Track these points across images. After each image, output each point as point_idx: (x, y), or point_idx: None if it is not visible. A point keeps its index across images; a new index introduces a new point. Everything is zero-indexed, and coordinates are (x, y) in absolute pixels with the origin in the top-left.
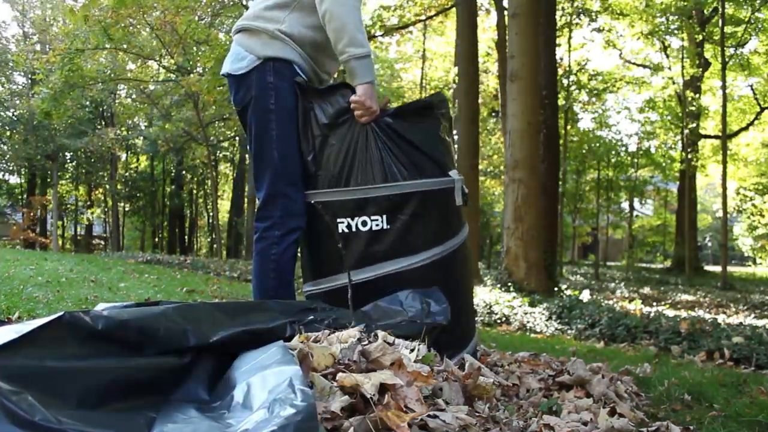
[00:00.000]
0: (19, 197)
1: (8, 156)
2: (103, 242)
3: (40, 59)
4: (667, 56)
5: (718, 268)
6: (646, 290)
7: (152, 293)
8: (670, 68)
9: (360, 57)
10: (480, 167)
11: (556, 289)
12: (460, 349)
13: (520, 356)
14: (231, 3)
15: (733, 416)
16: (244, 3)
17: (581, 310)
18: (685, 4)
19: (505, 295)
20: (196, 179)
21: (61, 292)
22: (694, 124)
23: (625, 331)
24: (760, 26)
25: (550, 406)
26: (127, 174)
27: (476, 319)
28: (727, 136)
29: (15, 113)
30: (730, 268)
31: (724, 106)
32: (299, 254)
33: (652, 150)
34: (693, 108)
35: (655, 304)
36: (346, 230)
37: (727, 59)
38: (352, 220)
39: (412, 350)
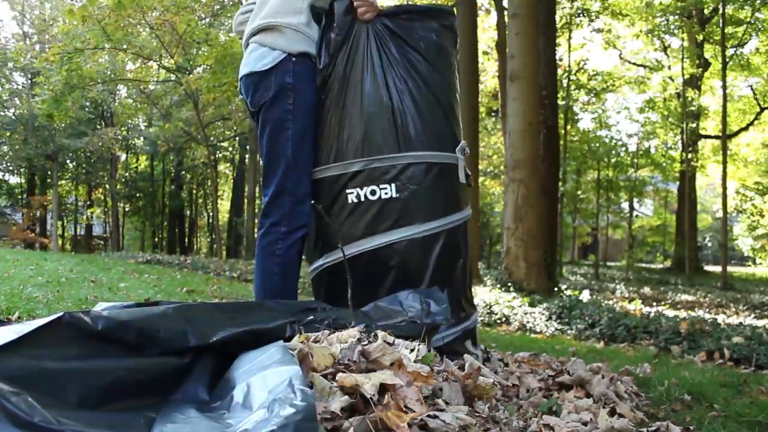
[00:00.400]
0: (19, 197)
1: (8, 156)
2: (103, 242)
3: (39, 57)
4: (667, 56)
5: (718, 268)
6: (646, 290)
7: (152, 293)
8: (670, 68)
9: None
10: (480, 167)
11: (556, 289)
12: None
13: (520, 356)
14: (231, 3)
15: (733, 416)
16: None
17: (581, 310)
18: (685, 3)
19: (505, 295)
20: (196, 179)
21: (61, 292)
22: (694, 124)
23: (625, 331)
24: (760, 26)
25: (550, 406)
26: (127, 174)
27: (477, 319)
28: (727, 136)
29: (15, 113)
30: (730, 268)
31: (724, 106)
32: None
33: (652, 150)
34: (693, 108)
35: (655, 304)
36: (355, 200)
37: (727, 59)
38: (361, 189)
39: (412, 350)
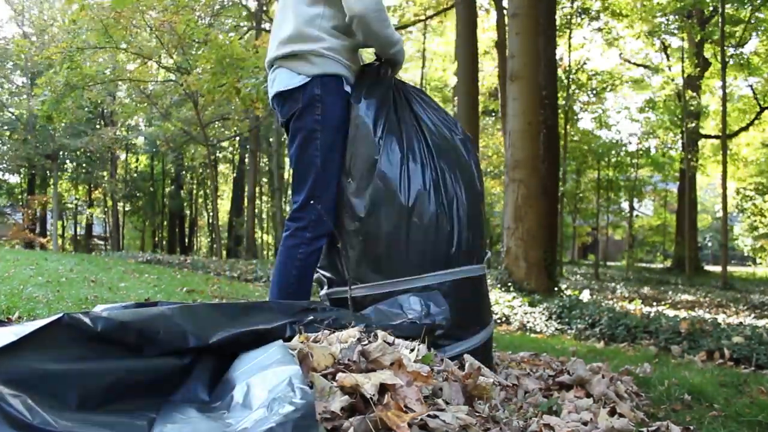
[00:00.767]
0: (19, 197)
1: (8, 156)
2: (103, 242)
3: (41, 55)
4: (667, 56)
5: (718, 268)
6: (646, 290)
7: (152, 293)
8: (669, 68)
9: (397, 51)
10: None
11: (556, 289)
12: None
13: (520, 356)
14: (230, 3)
15: (733, 416)
16: (244, 3)
17: (581, 310)
18: (684, 3)
19: (505, 295)
20: (196, 179)
21: (61, 292)
22: (694, 124)
23: (625, 331)
24: (760, 26)
25: (550, 406)
26: (126, 174)
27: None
28: (727, 136)
29: (15, 113)
30: (730, 268)
31: (724, 106)
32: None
33: (652, 150)
34: (693, 108)
35: (655, 304)
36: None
37: (727, 59)
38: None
39: (412, 350)
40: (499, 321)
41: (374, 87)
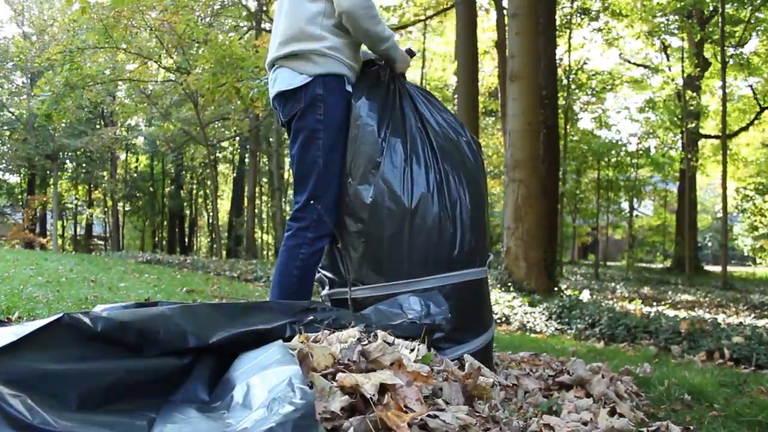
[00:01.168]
0: (19, 197)
1: (8, 155)
2: (102, 242)
3: (41, 57)
4: (667, 56)
5: (718, 268)
6: (646, 290)
7: (152, 293)
8: (669, 68)
9: (389, 47)
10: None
11: (556, 289)
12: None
13: (520, 356)
14: (230, 3)
15: (733, 416)
16: (244, 3)
17: (581, 310)
18: (684, 3)
19: (505, 295)
20: (195, 179)
21: (61, 292)
22: (694, 124)
23: (625, 331)
24: (760, 26)
25: (550, 406)
26: (126, 174)
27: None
28: (727, 136)
29: (15, 113)
30: (730, 268)
31: (724, 106)
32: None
33: (652, 150)
34: (693, 108)
35: (655, 304)
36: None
37: (727, 59)
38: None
39: (411, 350)
40: (499, 321)
41: (377, 87)
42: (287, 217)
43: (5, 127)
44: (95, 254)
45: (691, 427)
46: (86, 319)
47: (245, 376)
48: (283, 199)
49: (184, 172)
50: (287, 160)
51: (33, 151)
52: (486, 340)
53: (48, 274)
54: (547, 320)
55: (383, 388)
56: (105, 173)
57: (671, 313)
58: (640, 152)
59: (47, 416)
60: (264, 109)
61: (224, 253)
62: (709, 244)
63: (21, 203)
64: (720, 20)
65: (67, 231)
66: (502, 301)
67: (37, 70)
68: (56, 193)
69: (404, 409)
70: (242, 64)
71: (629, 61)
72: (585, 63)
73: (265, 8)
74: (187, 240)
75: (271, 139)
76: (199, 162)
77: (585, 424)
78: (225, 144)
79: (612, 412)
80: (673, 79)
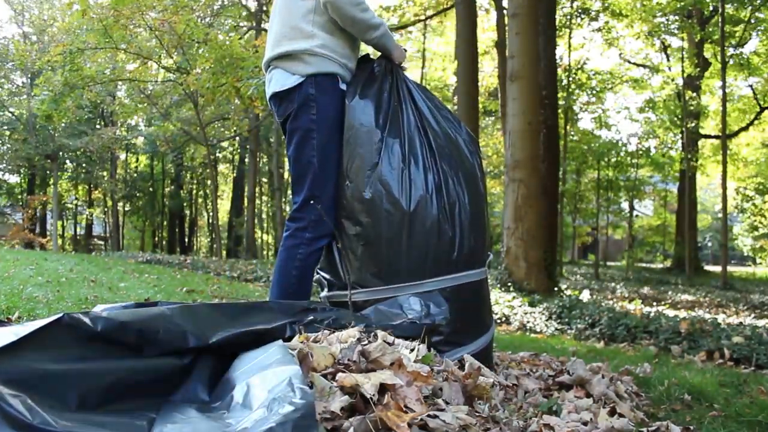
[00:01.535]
0: (19, 197)
1: (8, 155)
2: (102, 242)
3: (41, 59)
4: (667, 56)
5: (718, 268)
6: (646, 290)
7: (152, 293)
8: (669, 68)
9: (381, 35)
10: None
11: (556, 289)
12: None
13: (520, 356)
14: (230, 3)
15: (733, 416)
16: (244, 3)
17: (581, 310)
18: (684, 3)
19: (505, 295)
20: (195, 179)
21: (61, 292)
22: (694, 124)
23: (625, 331)
24: (760, 26)
25: (550, 406)
26: (126, 174)
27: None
28: (727, 136)
29: (15, 113)
30: (730, 268)
31: (724, 106)
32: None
33: (652, 150)
34: (692, 108)
35: (655, 304)
36: None
37: (727, 59)
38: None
39: (411, 350)
40: (499, 321)
41: (373, 84)
42: (287, 217)
43: (5, 127)
44: (95, 254)
45: (691, 427)
46: (86, 319)
47: (245, 376)
48: (283, 199)
49: (184, 172)
50: (287, 159)
51: (33, 151)
52: (486, 341)
53: (48, 274)
54: (547, 320)
55: (383, 388)
56: (105, 173)
57: (671, 313)
58: (640, 152)
59: (47, 416)
60: (264, 109)
61: (224, 253)
62: (709, 244)
63: (21, 203)
64: (720, 20)
65: (67, 231)
66: (502, 301)
67: (37, 70)
68: (56, 193)
69: (404, 409)
70: (242, 63)
71: (629, 61)
72: (585, 63)
73: (265, 8)
74: (187, 240)
75: (271, 139)
76: (199, 162)
77: (585, 424)
78: (225, 144)
79: (612, 412)
80: (673, 79)
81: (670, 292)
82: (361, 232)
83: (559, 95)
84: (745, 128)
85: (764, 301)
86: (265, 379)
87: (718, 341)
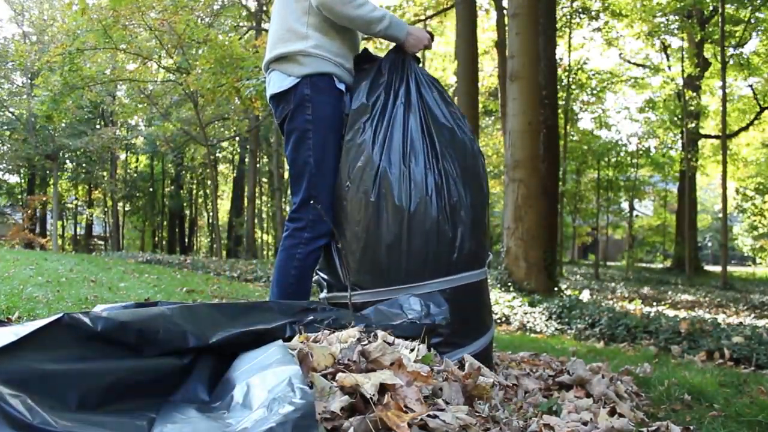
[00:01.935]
0: (19, 197)
1: (8, 156)
2: (102, 242)
3: (41, 59)
4: (667, 56)
5: (718, 268)
6: (646, 290)
7: (152, 293)
8: (669, 68)
9: (386, 27)
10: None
11: (556, 289)
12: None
13: (520, 356)
14: (230, 3)
15: (733, 416)
16: (244, 3)
17: (581, 310)
18: (684, 3)
19: (505, 295)
20: (195, 179)
21: (61, 292)
22: (694, 124)
23: (625, 331)
24: (760, 26)
25: (550, 406)
26: (126, 174)
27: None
28: (727, 136)
29: (15, 113)
30: (730, 268)
31: (724, 106)
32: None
33: (652, 150)
34: (693, 108)
35: (655, 304)
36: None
37: (727, 59)
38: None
39: (411, 350)
40: (499, 321)
41: (377, 82)
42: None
43: (5, 127)
44: (95, 254)
45: (691, 427)
46: (86, 319)
47: (245, 376)
48: (283, 199)
49: (184, 172)
50: (286, 160)
51: (33, 151)
52: (485, 342)
53: (48, 274)
54: (547, 320)
55: (383, 388)
56: (105, 173)
57: (671, 313)
58: (640, 152)
59: (47, 416)
60: (263, 110)
61: (224, 253)
62: (709, 244)
63: (21, 203)
64: (720, 20)
65: (67, 231)
66: (502, 301)
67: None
68: (56, 193)
69: (404, 409)
70: (242, 64)
71: (629, 61)
72: (585, 63)
73: (265, 8)
74: (187, 240)
75: (271, 139)
76: (199, 162)
77: (585, 424)
78: (225, 144)
79: (612, 412)
80: (673, 79)
81: (670, 292)
82: (360, 233)
83: (559, 95)
84: (745, 128)
85: (764, 301)
86: (265, 379)
87: (718, 341)
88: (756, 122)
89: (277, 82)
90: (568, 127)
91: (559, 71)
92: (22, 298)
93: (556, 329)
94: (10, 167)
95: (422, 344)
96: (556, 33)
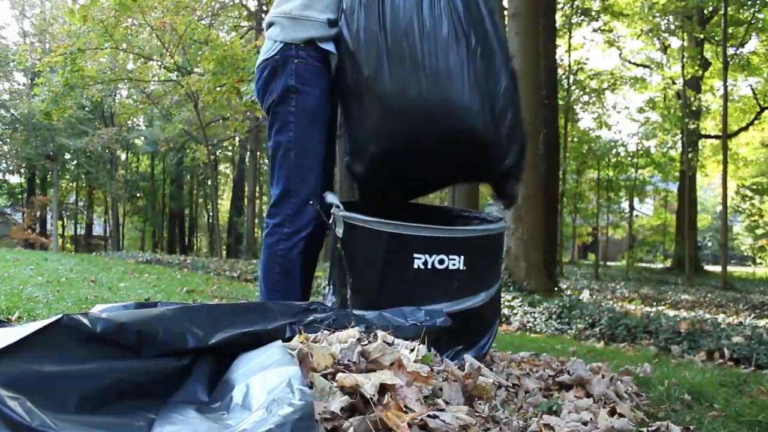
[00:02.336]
0: (20, 197)
1: (9, 156)
2: (103, 242)
3: (42, 59)
4: (667, 56)
5: (718, 268)
6: (646, 290)
7: (152, 293)
8: (670, 68)
9: None
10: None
11: (556, 289)
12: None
13: (520, 356)
14: (231, 3)
15: (733, 416)
16: (244, 3)
17: (581, 310)
18: (685, 4)
19: (505, 295)
20: (196, 179)
21: (61, 292)
22: (694, 124)
23: (625, 331)
24: (760, 26)
25: (550, 406)
26: (127, 174)
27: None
28: (727, 135)
29: (15, 113)
30: (730, 268)
31: (725, 106)
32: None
33: (652, 150)
34: (693, 108)
35: (655, 303)
36: (422, 266)
37: (727, 59)
38: (430, 257)
39: (411, 350)
40: (499, 321)
41: None
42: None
43: (6, 127)
44: (95, 254)
45: (691, 427)
46: (85, 320)
47: (245, 376)
48: None
49: (184, 172)
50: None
51: (34, 152)
52: (496, 290)
53: (48, 274)
54: (547, 320)
55: (383, 389)
56: (105, 173)
57: (671, 313)
58: (641, 152)
59: (46, 418)
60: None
61: (224, 253)
62: (709, 244)
63: (21, 203)
64: (722, 21)
65: (67, 231)
66: (502, 301)
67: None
68: (57, 193)
69: (404, 409)
70: (243, 64)
71: (629, 61)
72: (585, 63)
73: (265, 8)
74: (187, 240)
75: None
76: (200, 162)
77: (585, 424)
78: (225, 144)
79: (612, 412)
80: (673, 80)
81: (670, 292)
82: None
83: (559, 95)
84: (745, 128)
85: (764, 301)
86: (264, 379)
87: (718, 341)
88: (756, 122)
89: (264, 52)
90: (568, 127)
91: (559, 71)
92: (22, 298)
93: (556, 329)
94: (11, 168)
95: (422, 344)
96: (556, 33)
